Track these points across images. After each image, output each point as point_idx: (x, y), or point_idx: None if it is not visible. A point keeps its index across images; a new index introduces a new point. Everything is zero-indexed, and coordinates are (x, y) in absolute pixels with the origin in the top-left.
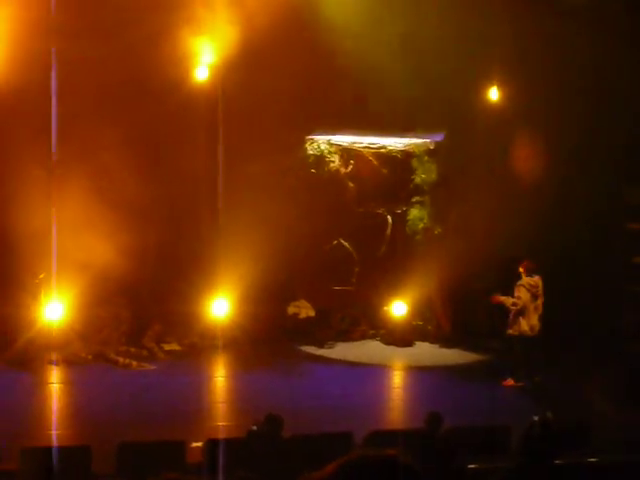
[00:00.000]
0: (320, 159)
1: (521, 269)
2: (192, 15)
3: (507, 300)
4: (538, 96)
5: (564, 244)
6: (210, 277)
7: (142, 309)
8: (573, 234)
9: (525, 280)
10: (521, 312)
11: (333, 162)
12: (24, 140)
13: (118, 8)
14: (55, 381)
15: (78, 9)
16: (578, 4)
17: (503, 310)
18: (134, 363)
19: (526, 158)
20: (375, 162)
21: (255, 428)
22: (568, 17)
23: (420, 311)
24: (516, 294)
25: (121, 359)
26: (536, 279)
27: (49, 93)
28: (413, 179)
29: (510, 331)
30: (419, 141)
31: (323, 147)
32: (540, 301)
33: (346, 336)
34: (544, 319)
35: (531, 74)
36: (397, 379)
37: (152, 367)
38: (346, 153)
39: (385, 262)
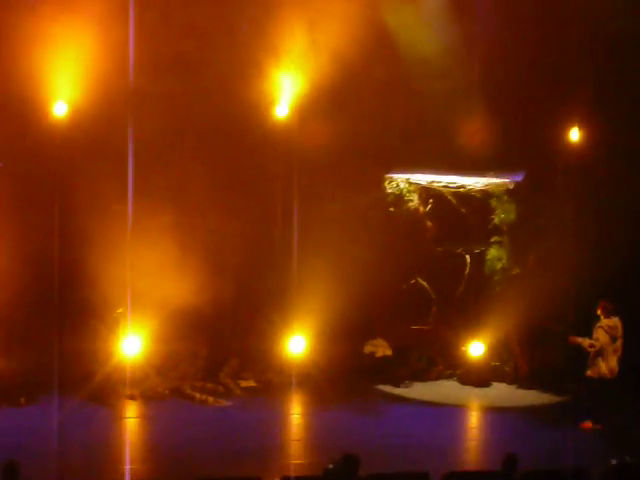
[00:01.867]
0: (399, 198)
1: (599, 311)
2: (272, 54)
3: (584, 341)
4: (620, 136)
5: None
6: (287, 314)
7: (219, 345)
8: None
9: (604, 322)
10: (600, 354)
11: (412, 201)
12: (104, 175)
13: (199, 44)
14: (132, 415)
15: (159, 45)
16: None
17: (581, 351)
18: (210, 399)
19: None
20: (454, 201)
21: (332, 467)
22: None
23: (497, 351)
24: (594, 336)
25: (198, 395)
26: (615, 320)
27: (128, 128)
28: (492, 219)
29: (588, 373)
30: (498, 181)
31: (402, 186)
32: (619, 343)
33: (423, 375)
34: (624, 361)
35: (613, 114)
36: (474, 419)
37: (228, 403)
38: (425, 192)
39: (463, 302)
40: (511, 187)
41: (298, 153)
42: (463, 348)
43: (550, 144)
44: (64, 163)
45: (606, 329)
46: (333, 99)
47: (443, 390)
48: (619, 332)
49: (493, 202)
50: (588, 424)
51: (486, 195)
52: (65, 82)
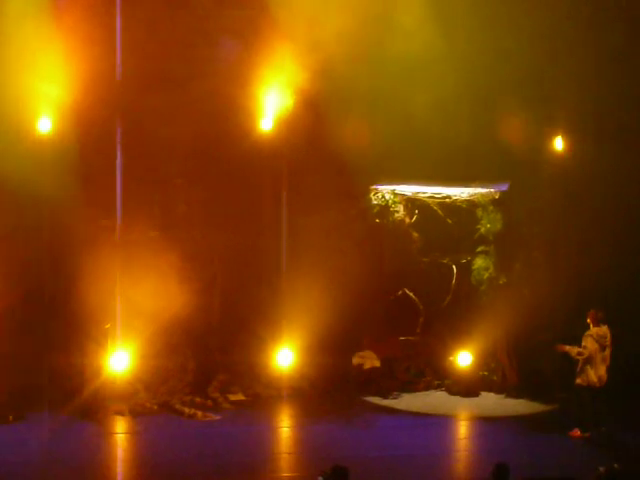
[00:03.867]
0: (385, 209)
1: (589, 319)
2: (257, 68)
3: (572, 350)
4: (605, 145)
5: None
6: (275, 327)
7: (207, 359)
8: None
9: (593, 330)
10: (589, 362)
11: (398, 212)
12: (91, 190)
13: (185, 60)
14: (120, 431)
15: (146, 61)
16: None
17: (569, 360)
18: (199, 413)
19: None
20: (440, 212)
21: (321, 479)
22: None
23: (485, 361)
24: (583, 344)
25: (186, 409)
26: (604, 329)
27: (116, 144)
28: (478, 229)
29: (578, 381)
30: (484, 191)
31: (388, 197)
32: (608, 351)
33: (411, 386)
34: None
35: (598, 123)
36: (463, 430)
37: (217, 417)
38: (410, 203)
39: (450, 312)
40: (497, 197)
41: (284, 165)
42: (451, 358)
43: (535, 153)
44: (51, 178)
45: (595, 337)
46: (318, 111)
47: (432, 401)
48: (608, 340)
49: (479, 212)
50: (577, 432)
51: (472, 205)
52: (51, 98)
